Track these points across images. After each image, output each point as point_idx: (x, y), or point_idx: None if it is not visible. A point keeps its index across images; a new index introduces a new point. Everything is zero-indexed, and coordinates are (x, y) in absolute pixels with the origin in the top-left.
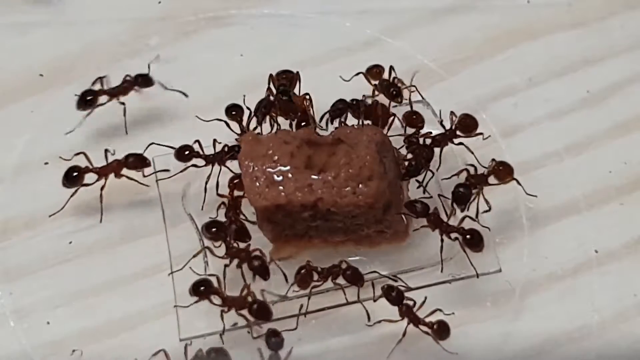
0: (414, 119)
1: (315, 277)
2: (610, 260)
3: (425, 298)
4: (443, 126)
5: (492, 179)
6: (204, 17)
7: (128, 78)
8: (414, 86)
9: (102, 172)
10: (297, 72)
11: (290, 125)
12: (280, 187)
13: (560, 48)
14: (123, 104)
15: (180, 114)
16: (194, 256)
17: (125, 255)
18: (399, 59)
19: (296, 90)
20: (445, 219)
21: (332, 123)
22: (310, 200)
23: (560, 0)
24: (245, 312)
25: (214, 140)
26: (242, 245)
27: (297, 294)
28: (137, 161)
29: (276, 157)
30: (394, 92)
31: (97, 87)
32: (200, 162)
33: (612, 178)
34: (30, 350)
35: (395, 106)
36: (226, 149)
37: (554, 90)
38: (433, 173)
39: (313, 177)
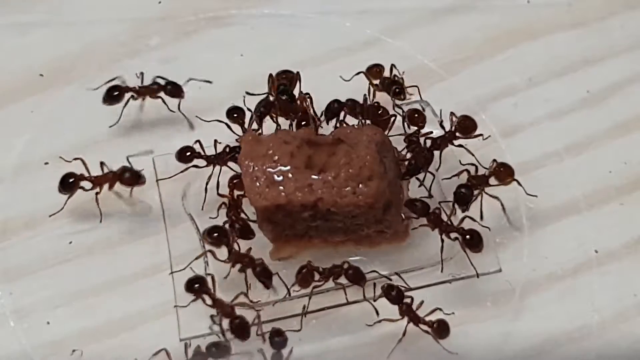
0: (416, 118)
1: (317, 277)
2: (610, 260)
3: (425, 299)
4: (443, 127)
5: (492, 180)
6: (204, 17)
7: (158, 80)
8: (415, 86)
9: (96, 182)
10: (297, 72)
11: (291, 125)
12: (281, 187)
13: (560, 48)
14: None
15: (181, 114)
16: (196, 258)
17: (125, 255)
18: (399, 59)
19: (296, 90)
20: (444, 217)
21: (327, 124)
22: (310, 200)
23: (560, 0)
24: (226, 322)
25: (215, 141)
26: (244, 245)
27: (297, 293)
28: (132, 178)
29: (276, 157)
30: (397, 90)
31: (119, 82)
32: (201, 162)
33: (612, 178)
34: (30, 350)
35: (395, 106)
36: (227, 149)
37: (554, 90)
38: (434, 175)
39: (313, 177)
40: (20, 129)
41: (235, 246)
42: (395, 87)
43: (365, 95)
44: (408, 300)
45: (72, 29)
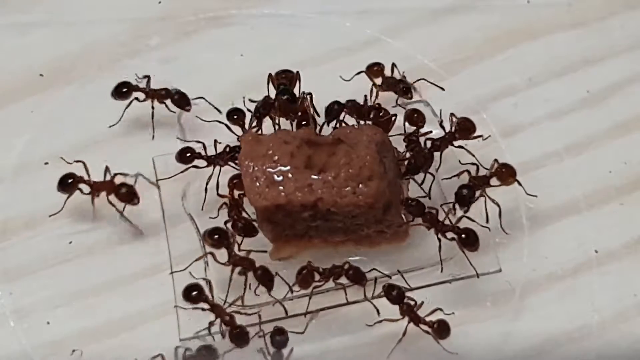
0: (415, 118)
1: (317, 277)
2: (610, 260)
3: (425, 299)
4: (443, 127)
5: (494, 181)
6: (204, 17)
7: (170, 88)
8: (423, 79)
9: (94, 187)
10: (297, 72)
11: (291, 125)
12: (280, 187)
13: (560, 48)
14: (153, 107)
15: (180, 114)
16: (196, 260)
17: (125, 255)
18: (399, 59)
19: (296, 90)
20: (447, 220)
21: (328, 125)
22: (310, 200)
23: (560, 0)
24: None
25: (215, 141)
26: (244, 246)
27: (297, 294)
28: (126, 195)
29: (276, 157)
30: (404, 88)
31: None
32: (201, 163)
33: (612, 178)
34: (30, 350)
35: (395, 106)
36: (227, 149)
37: (554, 90)
38: (433, 176)
39: (313, 177)
40: (20, 129)
41: (235, 248)
42: (402, 85)
43: (366, 96)
44: (411, 302)
45: (72, 29)
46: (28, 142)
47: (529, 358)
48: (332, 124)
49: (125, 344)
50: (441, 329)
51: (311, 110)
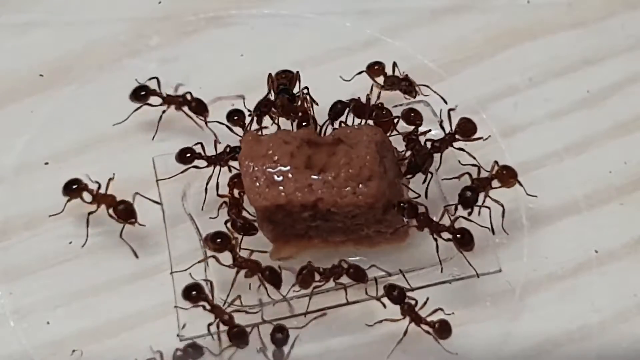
0: (412, 117)
1: (317, 277)
2: (610, 260)
3: (427, 299)
4: (443, 128)
5: (495, 182)
6: (204, 17)
7: (187, 94)
8: (427, 86)
9: (95, 198)
10: (297, 72)
11: (291, 125)
12: (280, 187)
13: (560, 48)
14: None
15: (181, 114)
16: (198, 262)
17: (125, 255)
18: (399, 59)
19: (296, 90)
20: (446, 220)
21: (332, 124)
22: (310, 200)
23: (560, 0)
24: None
25: (215, 141)
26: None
27: (297, 294)
28: (123, 213)
29: (276, 157)
30: (407, 86)
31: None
32: (202, 163)
33: (612, 178)
34: (30, 350)
35: (395, 106)
36: (228, 149)
37: (554, 90)
38: (432, 174)
39: (313, 177)
40: (20, 129)
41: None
42: (405, 83)
43: (368, 95)
44: (412, 302)
45: (72, 29)
46: (28, 142)
47: (529, 358)
48: (332, 123)
49: (125, 344)
50: (442, 329)
51: (312, 110)
